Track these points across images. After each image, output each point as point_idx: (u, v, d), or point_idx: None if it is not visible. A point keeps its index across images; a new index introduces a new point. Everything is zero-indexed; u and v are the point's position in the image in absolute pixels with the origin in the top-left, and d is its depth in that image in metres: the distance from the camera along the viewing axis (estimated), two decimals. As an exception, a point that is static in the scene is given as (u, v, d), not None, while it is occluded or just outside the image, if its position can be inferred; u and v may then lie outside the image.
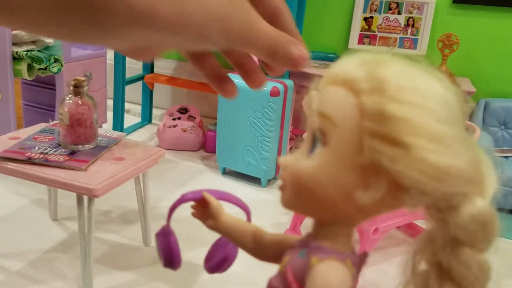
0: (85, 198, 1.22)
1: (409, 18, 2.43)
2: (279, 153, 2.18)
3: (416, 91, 0.32)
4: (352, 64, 0.35)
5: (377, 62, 0.34)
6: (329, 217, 0.37)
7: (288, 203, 0.38)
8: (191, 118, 2.69)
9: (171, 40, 0.28)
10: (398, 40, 2.50)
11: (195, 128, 2.60)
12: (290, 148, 2.77)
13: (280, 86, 2.05)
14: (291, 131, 2.67)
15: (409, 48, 2.49)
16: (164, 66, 3.14)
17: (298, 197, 0.37)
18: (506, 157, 2.24)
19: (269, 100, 2.03)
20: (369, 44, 2.56)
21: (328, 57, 2.67)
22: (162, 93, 3.21)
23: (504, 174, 2.08)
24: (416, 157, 0.31)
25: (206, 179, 2.26)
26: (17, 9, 0.25)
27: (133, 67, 3.13)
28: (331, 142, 0.34)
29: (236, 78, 0.40)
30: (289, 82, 2.13)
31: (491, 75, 2.45)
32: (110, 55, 2.69)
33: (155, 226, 1.60)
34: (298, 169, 0.36)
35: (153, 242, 1.65)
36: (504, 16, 2.34)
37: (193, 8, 0.27)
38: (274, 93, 2.02)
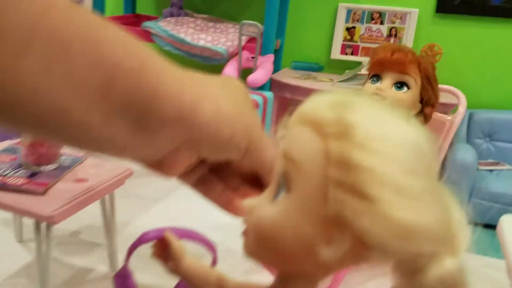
0: (43, 224, 1.13)
1: (392, 28, 2.39)
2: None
3: (384, 139, 0.29)
4: (323, 105, 0.31)
5: (348, 104, 0.30)
6: (292, 270, 0.35)
7: (250, 251, 0.35)
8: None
9: (205, 141, 0.29)
10: (381, 51, 2.45)
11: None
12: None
13: (258, 99, 1.98)
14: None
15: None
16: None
17: (260, 246, 0.34)
18: (490, 170, 2.20)
19: (248, 113, 1.96)
20: (352, 54, 2.51)
21: (311, 67, 2.61)
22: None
23: (488, 189, 2.03)
24: (381, 212, 0.28)
25: (182, 196, 2.17)
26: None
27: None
28: (295, 188, 0.31)
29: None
30: (269, 94, 2.07)
31: (475, 85, 2.41)
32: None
33: (124, 249, 1.51)
34: (261, 216, 0.33)
35: (120, 266, 1.56)
36: (488, 25, 2.31)
37: (227, 107, 0.30)
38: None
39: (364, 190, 0.28)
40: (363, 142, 0.28)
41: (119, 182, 1.31)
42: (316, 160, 0.29)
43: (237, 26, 2.47)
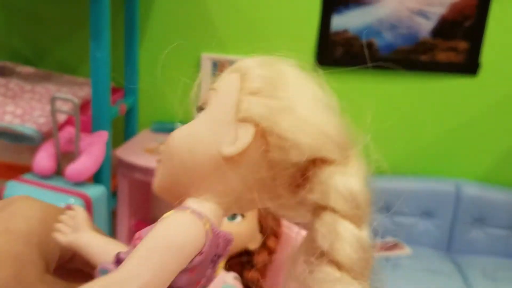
0: None
1: (266, 85, 1.96)
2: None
3: (295, 76, 0.41)
4: (251, 60, 0.42)
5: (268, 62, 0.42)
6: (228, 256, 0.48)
7: (159, 183, 0.41)
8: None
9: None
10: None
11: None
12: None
13: (77, 203, 1.44)
14: (134, 225, 2.07)
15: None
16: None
17: (169, 170, 0.39)
18: (386, 259, 1.83)
19: (62, 225, 1.42)
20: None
21: (176, 127, 2.11)
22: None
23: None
24: (298, 116, 0.36)
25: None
26: None
27: None
28: (210, 105, 0.39)
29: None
30: (97, 191, 1.53)
31: (364, 148, 2.05)
32: None
33: None
34: (173, 135, 0.40)
35: None
36: (376, 79, 1.96)
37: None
38: (67, 215, 1.41)
39: (278, 95, 0.37)
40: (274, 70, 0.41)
41: None
42: (233, 84, 0.38)
43: (76, 82, 1.92)
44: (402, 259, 1.81)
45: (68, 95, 1.51)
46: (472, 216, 1.93)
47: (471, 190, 1.94)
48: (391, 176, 2.03)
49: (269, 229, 1.12)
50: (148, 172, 1.78)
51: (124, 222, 1.96)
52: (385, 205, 1.65)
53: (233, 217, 1.08)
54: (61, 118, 1.62)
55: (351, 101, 1.79)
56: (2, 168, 2.03)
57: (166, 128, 2.11)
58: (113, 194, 1.90)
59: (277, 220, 1.16)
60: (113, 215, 1.93)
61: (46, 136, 1.62)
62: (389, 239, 1.93)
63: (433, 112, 1.98)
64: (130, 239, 1.52)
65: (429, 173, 2.04)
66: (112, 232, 1.81)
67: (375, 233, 1.68)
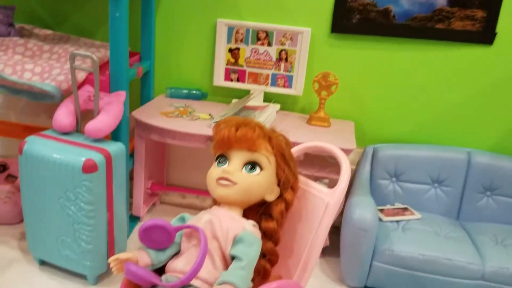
0: None
1: (282, 50, 1.97)
2: (110, 241, 1.61)
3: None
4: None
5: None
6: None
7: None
8: (11, 178, 2.04)
9: None
10: (270, 77, 2.03)
11: (13, 194, 1.95)
12: (153, 205, 2.22)
13: (97, 157, 1.48)
14: (149, 188, 2.12)
15: (284, 86, 2.03)
16: (-13, 101, 2.42)
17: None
18: (397, 221, 1.86)
19: (82, 178, 1.46)
20: (238, 80, 2.07)
21: (192, 95, 2.13)
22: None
23: (392, 252, 1.69)
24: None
25: (13, 277, 1.64)
26: None
27: None
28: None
29: None
30: (117, 147, 1.57)
31: (379, 117, 2.06)
32: None
33: None
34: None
35: None
36: (391, 47, 1.96)
37: None
38: (88, 167, 1.45)
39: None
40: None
41: None
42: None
43: (92, 44, 1.94)
44: (412, 222, 1.84)
45: (87, 52, 1.53)
46: (482, 184, 1.95)
47: (482, 159, 1.95)
48: (404, 144, 2.05)
49: (286, 182, 1.15)
50: (164, 133, 1.82)
51: (140, 183, 2.00)
52: (397, 172, 1.74)
53: (252, 168, 1.11)
54: (80, 76, 1.65)
55: (366, 68, 1.86)
56: (20, 129, 2.07)
57: (180, 94, 2.14)
58: (130, 156, 1.94)
59: (295, 174, 1.18)
60: (130, 178, 1.96)
61: (65, 94, 1.65)
62: (399, 205, 1.96)
63: (447, 81, 1.98)
64: (146, 200, 1.67)
65: (441, 142, 2.06)
66: (129, 193, 1.86)
67: (386, 197, 1.77)
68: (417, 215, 1.90)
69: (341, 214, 1.81)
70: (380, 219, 1.83)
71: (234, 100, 2.11)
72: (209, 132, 1.76)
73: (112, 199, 1.57)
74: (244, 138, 1.10)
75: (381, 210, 1.90)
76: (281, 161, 1.15)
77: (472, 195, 1.97)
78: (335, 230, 1.92)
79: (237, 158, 1.11)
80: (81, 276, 1.65)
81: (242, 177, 1.10)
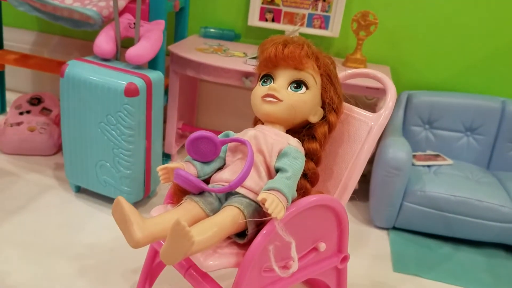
0: None
1: (320, -11, 1.94)
2: (147, 169, 1.64)
3: None
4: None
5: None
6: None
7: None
8: (46, 111, 2.07)
9: None
10: (306, 17, 2.00)
11: (48, 126, 1.99)
12: (182, 147, 2.25)
13: (139, 82, 1.49)
14: (180, 128, 2.14)
15: (320, 27, 2.00)
16: (20, 39, 2.44)
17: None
18: (429, 166, 1.86)
19: (124, 102, 1.47)
20: (273, 20, 2.04)
21: (225, 35, 2.12)
22: (19, 74, 2.53)
23: (424, 193, 1.70)
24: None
25: (51, 202, 1.69)
26: None
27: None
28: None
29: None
30: (156, 75, 1.58)
31: (416, 62, 2.03)
32: None
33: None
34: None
35: None
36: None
37: None
38: (130, 91, 1.46)
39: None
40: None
41: None
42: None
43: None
44: (444, 168, 1.83)
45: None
46: (516, 134, 1.93)
47: (518, 108, 1.93)
48: (438, 91, 2.03)
49: (331, 104, 1.15)
50: (200, 68, 1.82)
51: (173, 120, 2.02)
52: (430, 119, 1.74)
53: (298, 87, 1.11)
54: (120, 4, 1.65)
55: (405, 11, 1.84)
56: (54, 64, 2.09)
57: (214, 33, 2.12)
58: (164, 93, 1.95)
59: (339, 97, 1.18)
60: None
61: (105, 22, 1.65)
62: (431, 152, 1.96)
63: (487, 29, 1.94)
64: (177, 140, 1.72)
65: (476, 90, 2.03)
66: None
67: (418, 144, 1.80)
68: (449, 161, 1.89)
69: (369, 162, 1.82)
70: (412, 164, 1.83)
71: (267, 42, 2.09)
72: (245, 68, 1.76)
73: (151, 127, 1.59)
74: (291, 56, 1.09)
75: (413, 155, 1.90)
76: (327, 81, 1.15)
77: (504, 145, 1.96)
78: (363, 178, 1.93)
79: (283, 77, 1.11)
80: (117, 203, 1.69)
81: (288, 95, 1.10)
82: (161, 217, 0.98)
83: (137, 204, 1.70)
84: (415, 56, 2.02)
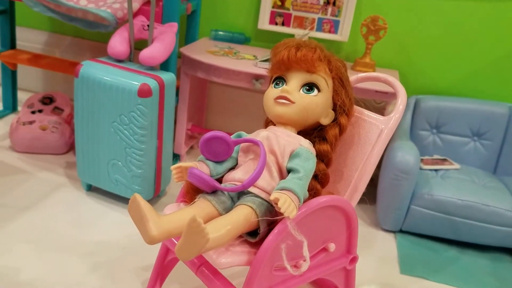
0: None
1: (330, -6, 1.96)
2: (158, 168, 1.67)
3: None
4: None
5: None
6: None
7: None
8: (57, 110, 2.10)
9: None
10: (316, 22, 2.02)
11: (60, 125, 2.02)
12: (191, 148, 2.27)
13: (152, 83, 1.52)
14: (189, 129, 2.16)
15: (329, 32, 2.03)
16: (33, 39, 2.48)
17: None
18: (436, 170, 1.88)
19: (137, 102, 1.50)
20: (283, 24, 2.07)
21: (235, 38, 2.15)
22: (31, 74, 2.56)
23: (431, 196, 1.71)
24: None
25: (62, 200, 1.72)
26: None
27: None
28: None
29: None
30: (168, 76, 1.60)
31: (424, 67, 2.05)
32: None
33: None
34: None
35: None
36: (441, -3, 1.93)
37: None
38: (143, 92, 1.49)
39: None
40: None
41: None
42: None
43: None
44: (451, 172, 1.85)
45: (145, -20, 1.55)
46: (523, 140, 1.94)
47: (525, 114, 1.94)
48: (446, 96, 2.04)
49: (342, 106, 1.18)
50: (210, 70, 1.84)
51: (183, 120, 2.04)
52: (438, 123, 1.77)
53: (310, 90, 1.13)
54: (134, 6, 1.68)
55: (414, 16, 1.87)
56: (66, 65, 2.12)
57: (224, 36, 2.15)
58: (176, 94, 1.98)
59: (351, 100, 1.20)
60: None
61: (119, 23, 1.68)
62: (438, 156, 1.97)
63: (495, 35, 1.95)
64: (186, 141, 1.75)
65: (483, 96, 2.04)
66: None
67: (425, 148, 1.83)
68: (456, 165, 1.91)
69: (377, 166, 1.84)
70: (419, 168, 1.84)
71: (277, 45, 2.11)
72: (255, 70, 1.78)
73: (162, 127, 1.61)
74: (304, 59, 1.12)
75: (421, 159, 1.91)
76: (338, 84, 1.17)
77: (511, 150, 1.97)
78: (370, 182, 1.94)
79: (295, 79, 1.13)
80: (127, 201, 1.72)
81: (300, 97, 1.12)
82: (176, 214, 1.00)
83: (147, 203, 1.72)
84: (424, 61, 2.04)
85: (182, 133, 2.07)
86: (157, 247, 1.27)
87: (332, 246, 1.14)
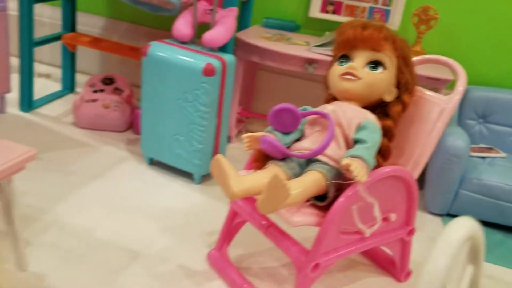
0: None
1: (383, -17, 2.01)
2: (216, 144, 1.77)
3: None
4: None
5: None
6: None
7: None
8: (117, 91, 2.22)
9: None
10: (367, 11, 2.08)
11: (121, 104, 2.14)
12: (239, 132, 2.36)
13: (216, 63, 1.61)
14: (239, 113, 2.26)
15: (380, 20, 2.08)
16: (92, 23, 2.62)
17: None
18: (483, 157, 1.91)
19: (202, 80, 1.60)
20: (333, 13, 2.13)
21: (285, 26, 2.22)
22: (89, 57, 2.70)
23: (479, 181, 1.75)
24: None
25: (126, 171, 1.83)
26: None
27: (53, 22, 2.59)
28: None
29: None
30: (229, 58, 1.69)
31: (473, 58, 2.08)
32: (12, 4, 2.14)
33: (39, 240, 1.36)
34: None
35: (30, 267, 1.24)
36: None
37: None
38: (208, 71, 1.59)
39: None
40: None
41: (17, 166, 1.06)
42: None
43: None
44: (498, 160, 1.88)
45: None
46: None
47: None
48: (495, 87, 2.07)
49: (405, 84, 1.24)
50: (265, 54, 1.93)
51: (234, 103, 2.13)
52: (485, 113, 1.82)
53: (375, 67, 1.19)
54: (198, -9, 1.77)
55: (463, 10, 1.91)
56: (126, 49, 2.24)
57: (275, 24, 2.23)
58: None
59: (414, 78, 1.26)
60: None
61: (183, 7, 1.78)
62: (483, 145, 2.00)
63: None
64: (236, 123, 1.84)
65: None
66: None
67: (471, 137, 1.86)
68: (502, 153, 1.94)
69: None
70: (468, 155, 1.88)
71: (327, 33, 2.18)
72: (309, 55, 1.85)
73: (222, 105, 1.71)
74: (370, 37, 1.18)
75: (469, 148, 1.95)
76: (402, 63, 1.23)
77: (558, 141, 1.98)
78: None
79: (361, 57, 1.20)
80: (187, 175, 1.82)
81: (366, 73, 1.19)
82: (253, 176, 1.09)
83: (204, 178, 1.83)
84: (473, 51, 2.07)
85: (234, 115, 2.16)
86: (219, 216, 1.37)
87: (393, 216, 1.21)
